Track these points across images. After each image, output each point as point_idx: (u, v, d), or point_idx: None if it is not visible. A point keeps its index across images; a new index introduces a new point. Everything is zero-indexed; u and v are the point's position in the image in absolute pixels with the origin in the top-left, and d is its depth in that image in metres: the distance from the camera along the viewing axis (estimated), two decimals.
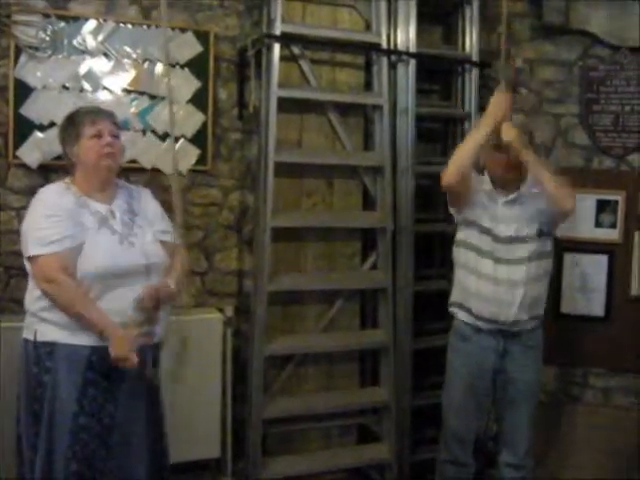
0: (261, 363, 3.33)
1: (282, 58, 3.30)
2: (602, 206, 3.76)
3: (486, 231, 2.96)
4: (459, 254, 3.08)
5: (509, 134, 2.79)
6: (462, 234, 3.06)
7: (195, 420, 3.30)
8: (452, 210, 3.07)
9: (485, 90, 3.67)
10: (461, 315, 3.06)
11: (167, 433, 2.71)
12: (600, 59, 3.76)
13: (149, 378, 2.53)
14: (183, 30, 3.39)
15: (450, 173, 2.83)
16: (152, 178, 3.35)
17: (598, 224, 3.77)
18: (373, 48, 3.48)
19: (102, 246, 2.42)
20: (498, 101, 2.81)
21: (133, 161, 3.32)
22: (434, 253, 3.85)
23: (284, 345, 3.45)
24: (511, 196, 2.95)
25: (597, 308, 3.82)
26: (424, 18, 3.66)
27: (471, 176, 2.93)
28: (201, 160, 3.47)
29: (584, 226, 3.77)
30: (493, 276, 2.94)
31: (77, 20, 3.22)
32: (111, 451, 2.46)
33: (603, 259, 3.78)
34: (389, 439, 3.59)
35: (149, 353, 2.52)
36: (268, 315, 3.35)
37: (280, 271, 3.44)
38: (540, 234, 2.98)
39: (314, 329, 3.59)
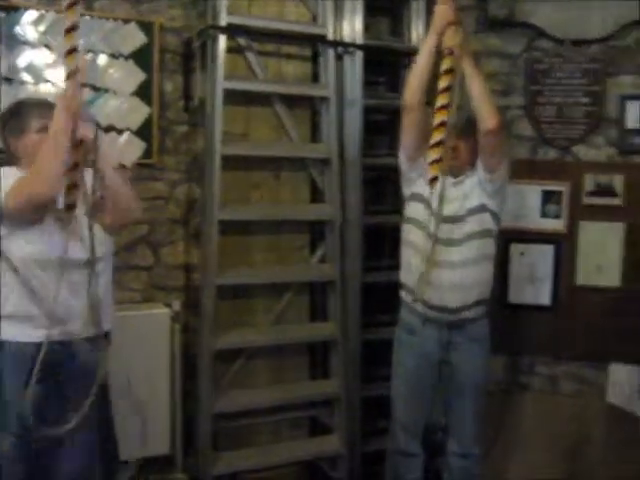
0: (210, 358, 3.31)
1: (228, 50, 3.28)
2: (547, 197, 3.80)
3: (429, 207, 2.96)
4: (406, 231, 3.07)
5: (452, 39, 2.79)
6: (408, 209, 3.06)
7: (144, 417, 3.27)
8: (404, 169, 3.05)
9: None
10: (404, 296, 3.07)
11: (116, 431, 2.67)
12: (544, 52, 3.80)
13: (97, 376, 2.49)
14: (126, 21, 3.33)
15: (410, 88, 2.89)
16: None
17: (544, 214, 3.82)
18: (320, 40, 3.47)
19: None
20: (440, 10, 2.82)
21: None
22: (383, 245, 3.85)
23: (233, 339, 3.43)
24: (459, 177, 2.97)
25: (543, 297, 3.87)
26: (371, 10, 3.67)
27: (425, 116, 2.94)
28: (147, 153, 3.41)
29: (530, 216, 3.81)
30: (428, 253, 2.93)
31: (17, 10, 3.14)
32: (59, 451, 2.41)
33: (549, 249, 3.83)
34: (340, 431, 3.60)
35: (95, 349, 2.47)
36: (216, 309, 3.32)
37: (228, 265, 3.41)
38: (480, 210, 3.00)
39: (263, 322, 3.58)
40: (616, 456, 3.76)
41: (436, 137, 2.75)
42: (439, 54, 2.81)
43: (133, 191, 2.61)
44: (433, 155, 2.76)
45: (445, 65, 2.72)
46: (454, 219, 2.94)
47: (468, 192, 2.98)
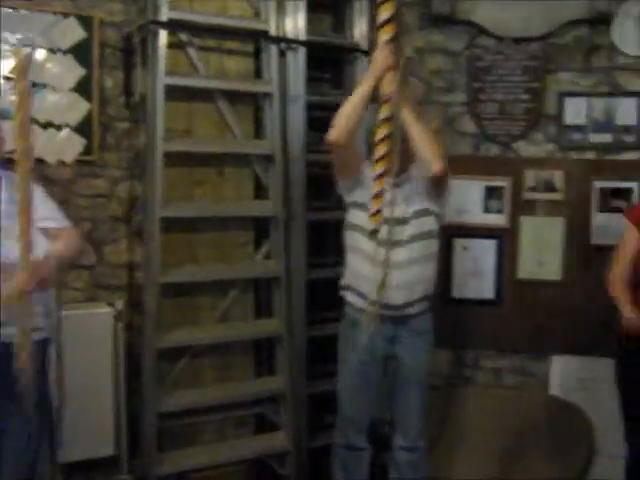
0: (154, 357, 3.28)
1: (169, 45, 3.24)
2: (490, 192, 3.86)
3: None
4: (348, 237, 3.10)
5: (391, 85, 2.78)
6: (350, 216, 3.08)
7: (88, 418, 3.21)
8: (341, 185, 3.09)
9: None
10: (351, 298, 3.09)
11: (58, 432, 2.65)
12: (486, 49, 3.85)
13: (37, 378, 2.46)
14: (65, 15, 3.27)
15: (338, 128, 2.86)
16: (35, 169, 3.21)
17: (486, 209, 3.87)
18: (262, 36, 3.46)
19: None
20: (379, 54, 2.80)
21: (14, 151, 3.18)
22: (327, 241, 3.86)
23: (177, 338, 3.40)
24: (398, 179, 2.99)
25: (487, 291, 3.93)
26: (314, 7, 3.66)
27: (356, 146, 2.98)
28: (87, 150, 3.35)
29: (473, 212, 3.87)
30: (379, 258, 2.96)
31: None
32: None
33: (491, 244, 3.89)
34: (286, 427, 3.60)
35: (39, 350, 2.44)
36: (160, 307, 3.29)
37: (172, 262, 3.38)
38: (424, 213, 3.03)
39: (208, 320, 3.56)
40: (559, 446, 3.83)
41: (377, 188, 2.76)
42: (375, 100, 2.82)
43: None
44: (378, 169, 2.76)
45: (384, 113, 2.70)
46: (399, 221, 2.98)
47: (412, 195, 3.02)
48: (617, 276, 3.05)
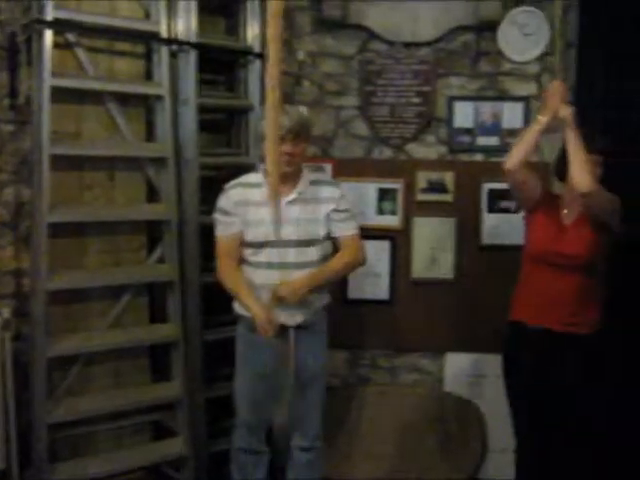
0: (43, 366, 3.18)
1: (56, 45, 3.15)
2: (383, 194, 3.92)
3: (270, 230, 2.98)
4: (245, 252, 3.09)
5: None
6: (247, 234, 3.06)
7: None
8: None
9: None
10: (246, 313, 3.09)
11: None
12: (377, 53, 3.91)
13: None
14: None
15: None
16: None
17: (380, 211, 3.93)
18: (153, 37, 3.41)
19: None
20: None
21: None
22: None
23: (68, 345, 3.31)
24: (291, 196, 3.00)
25: (382, 292, 3.99)
26: (207, 9, 3.64)
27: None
28: None
29: (367, 213, 3.92)
30: (277, 261, 2.97)
31: None
32: None
33: (385, 245, 3.95)
34: (184, 433, 3.55)
35: None
36: (49, 315, 3.19)
37: (61, 269, 3.28)
38: (327, 237, 3.07)
39: (101, 326, 3.47)
40: (454, 442, 3.93)
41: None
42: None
43: None
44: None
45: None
46: (295, 243, 3.00)
47: (314, 218, 3.04)
48: None
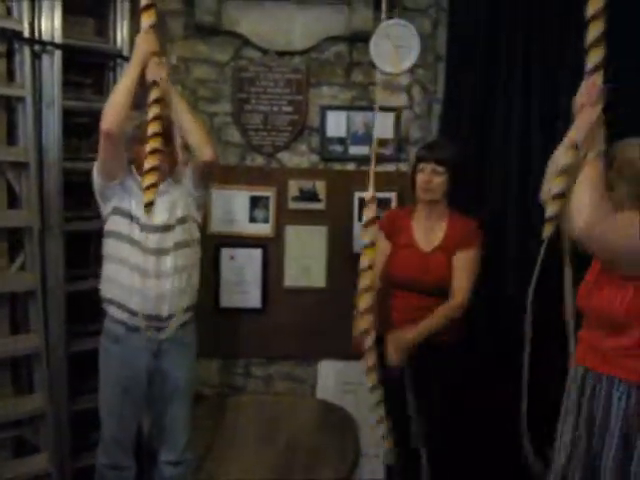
0: None
1: None
2: (255, 202, 3.91)
3: (136, 220, 2.93)
4: (109, 246, 3.02)
5: (155, 72, 2.80)
6: (112, 224, 3.00)
7: None
8: (102, 186, 2.99)
9: None
10: (112, 311, 3.01)
11: None
12: (250, 61, 3.90)
13: None
14: None
15: (108, 117, 2.80)
16: None
17: (252, 219, 3.92)
18: (14, 36, 3.26)
19: None
20: (142, 39, 2.82)
21: None
22: (87, 252, 3.72)
23: None
24: (161, 186, 2.95)
25: (254, 300, 3.97)
26: (74, 9, 3.52)
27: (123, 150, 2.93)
28: None
29: (239, 221, 3.90)
30: (143, 267, 2.92)
31: None
32: None
33: (258, 253, 3.94)
34: (48, 449, 3.41)
35: None
36: None
37: None
38: (187, 220, 3.02)
39: None
40: (328, 449, 3.95)
41: (150, 163, 2.75)
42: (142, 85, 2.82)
43: None
44: (148, 180, 2.75)
45: (153, 95, 2.76)
46: (164, 228, 2.95)
47: (176, 201, 3.00)
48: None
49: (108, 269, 3.02)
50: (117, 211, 2.98)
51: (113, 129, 2.80)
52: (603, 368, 2.33)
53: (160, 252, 2.95)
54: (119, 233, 2.97)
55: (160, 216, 2.95)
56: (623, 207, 2.27)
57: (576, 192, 2.22)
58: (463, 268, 3.11)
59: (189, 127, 2.93)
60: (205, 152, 2.95)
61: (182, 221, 3.02)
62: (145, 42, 2.80)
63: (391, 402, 3.11)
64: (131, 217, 2.95)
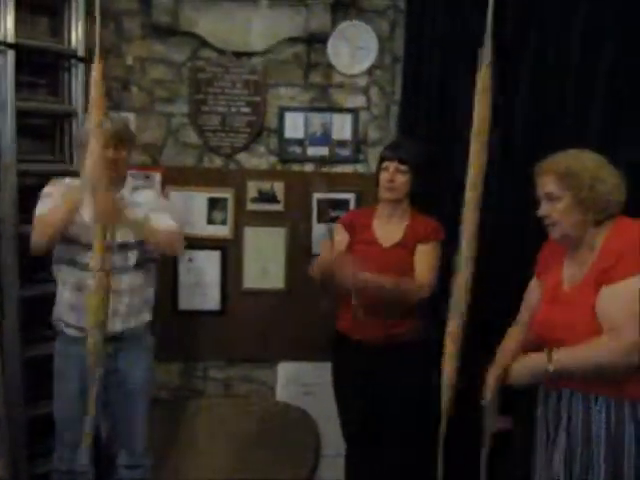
0: None
1: None
2: (213, 203, 3.89)
3: (88, 243, 2.88)
4: (60, 271, 3.03)
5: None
6: (61, 250, 2.99)
7: None
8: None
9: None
10: (65, 329, 3.00)
11: None
12: (208, 61, 3.87)
13: None
14: None
15: (39, 235, 2.89)
16: None
17: (210, 221, 3.89)
18: None
19: None
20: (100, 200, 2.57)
21: None
22: (42, 256, 3.66)
23: None
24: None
25: (213, 302, 3.95)
26: (28, 8, 3.45)
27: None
28: None
29: (197, 223, 3.87)
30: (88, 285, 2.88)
31: None
32: None
33: (216, 255, 3.91)
34: (3, 456, 3.35)
35: None
36: None
37: None
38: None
39: None
40: (289, 450, 3.95)
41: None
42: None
43: None
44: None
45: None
46: (122, 247, 2.92)
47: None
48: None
49: (60, 291, 3.06)
50: (67, 238, 2.96)
51: (44, 247, 2.90)
52: (580, 386, 2.33)
53: (120, 271, 2.92)
54: (69, 259, 3.00)
55: (119, 234, 2.92)
56: (571, 215, 2.33)
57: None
58: (424, 260, 3.13)
59: (155, 240, 2.95)
60: (176, 250, 3.07)
61: (142, 241, 3.01)
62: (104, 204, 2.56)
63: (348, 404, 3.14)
64: (82, 241, 2.91)
